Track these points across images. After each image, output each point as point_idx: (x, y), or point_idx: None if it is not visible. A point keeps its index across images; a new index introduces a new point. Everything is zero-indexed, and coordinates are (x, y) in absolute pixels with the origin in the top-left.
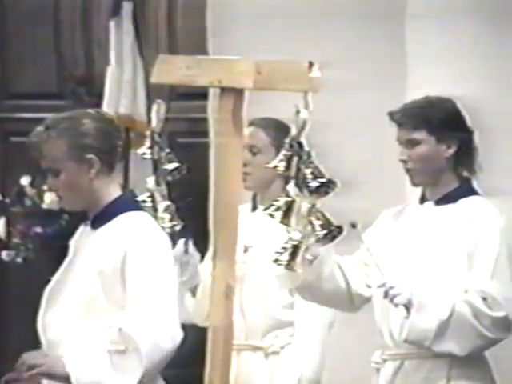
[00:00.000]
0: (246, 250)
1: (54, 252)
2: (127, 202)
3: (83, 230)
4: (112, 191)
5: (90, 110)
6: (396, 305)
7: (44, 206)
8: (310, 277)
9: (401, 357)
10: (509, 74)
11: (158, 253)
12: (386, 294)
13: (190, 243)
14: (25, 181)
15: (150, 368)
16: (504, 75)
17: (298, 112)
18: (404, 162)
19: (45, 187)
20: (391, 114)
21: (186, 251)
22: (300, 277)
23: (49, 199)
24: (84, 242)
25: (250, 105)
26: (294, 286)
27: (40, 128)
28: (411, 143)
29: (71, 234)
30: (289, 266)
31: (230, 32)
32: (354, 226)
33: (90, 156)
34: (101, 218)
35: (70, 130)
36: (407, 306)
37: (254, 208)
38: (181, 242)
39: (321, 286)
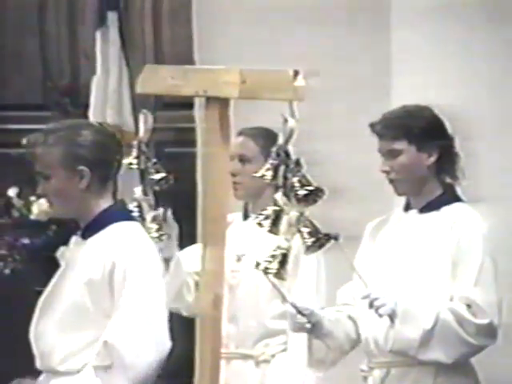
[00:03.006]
0: (238, 259)
1: (42, 263)
2: (118, 212)
3: (75, 241)
4: (103, 202)
5: (93, 122)
6: (381, 315)
7: (32, 217)
8: (333, 352)
9: (387, 365)
10: (493, 82)
11: (147, 264)
12: (370, 305)
13: (169, 212)
14: (12, 192)
15: (137, 381)
16: (488, 82)
17: (285, 121)
18: (386, 172)
19: (32, 198)
20: (372, 126)
21: (165, 220)
22: (327, 361)
23: (36, 210)
24: (75, 252)
25: (239, 114)
26: (326, 370)
27: (40, 132)
28: (392, 154)
29: (59, 244)
30: (278, 274)
31: (216, 41)
32: (336, 238)
33: (81, 167)
34: (91, 228)
35: (66, 139)
36: (391, 317)
37: (246, 217)
38: (160, 210)
39: (346, 348)
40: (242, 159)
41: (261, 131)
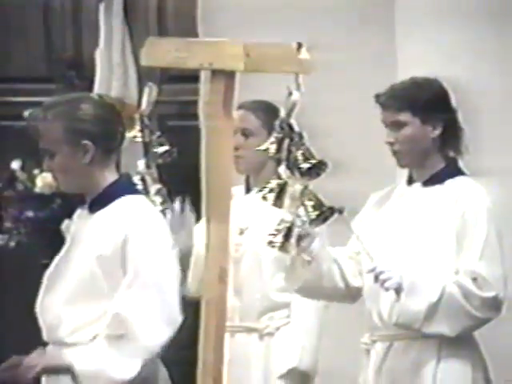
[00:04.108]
0: (241, 233)
1: (47, 236)
2: (125, 186)
3: (80, 214)
4: (108, 176)
5: (91, 95)
6: (386, 289)
7: (36, 190)
8: (309, 277)
9: (390, 338)
10: (497, 54)
11: (158, 237)
12: (376, 279)
13: (187, 202)
14: (16, 165)
15: (148, 353)
16: (493, 55)
17: (289, 94)
18: (390, 143)
19: (36, 171)
20: (377, 97)
21: (183, 210)
22: (301, 279)
23: (41, 183)
24: (82, 226)
25: (240, 88)
26: (296, 287)
27: (39, 108)
28: (396, 125)
29: (63, 217)
30: (283, 247)
31: (220, 16)
32: (341, 211)
33: (85, 142)
34: (98, 202)
35: (67, 114)
36: (397, 290)
37: (248, 190)
38: (177, 200)
39: (320, 285)
40: (245, 133)
41: (260, 104)
